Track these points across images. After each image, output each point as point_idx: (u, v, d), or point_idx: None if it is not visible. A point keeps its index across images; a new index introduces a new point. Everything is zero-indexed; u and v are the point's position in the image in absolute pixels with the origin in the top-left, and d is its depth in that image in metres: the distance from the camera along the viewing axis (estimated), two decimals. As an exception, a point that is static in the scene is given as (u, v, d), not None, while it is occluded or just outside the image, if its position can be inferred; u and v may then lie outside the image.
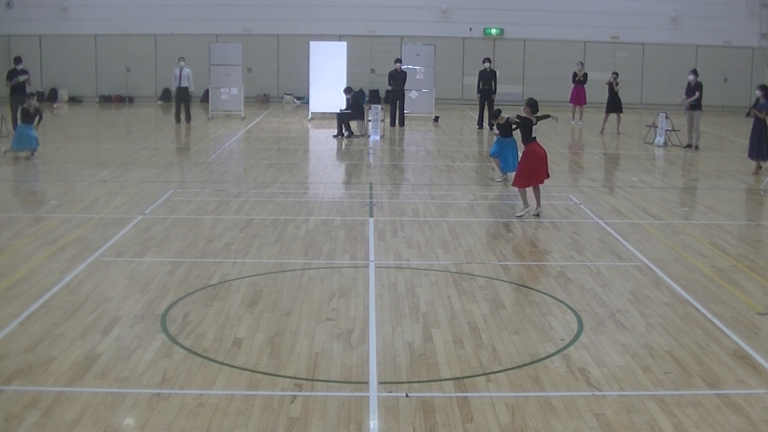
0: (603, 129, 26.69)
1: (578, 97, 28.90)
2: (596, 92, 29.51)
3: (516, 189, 14.40)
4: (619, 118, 26.60)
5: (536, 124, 13.88)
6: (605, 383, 7.39)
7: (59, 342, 8.13)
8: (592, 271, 10.94)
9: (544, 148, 14.26)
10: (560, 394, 7.15)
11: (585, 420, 6.67)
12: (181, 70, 27.45)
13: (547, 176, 14.25)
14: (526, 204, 14.00)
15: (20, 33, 34.92)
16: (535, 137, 13.92)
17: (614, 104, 26.69)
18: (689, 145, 23.15)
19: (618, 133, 26.34)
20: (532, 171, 13.86)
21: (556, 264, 11.25)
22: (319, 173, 19.21)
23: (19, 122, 20.08)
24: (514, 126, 15.04)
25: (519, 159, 14.65)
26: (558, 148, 23.19)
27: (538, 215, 13.93)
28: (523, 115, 13.96)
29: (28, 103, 20.07)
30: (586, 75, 28.79)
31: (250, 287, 10.00)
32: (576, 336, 8.54)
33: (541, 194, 14.34)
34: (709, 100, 24.92)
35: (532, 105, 13.96)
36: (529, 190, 14.19)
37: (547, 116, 14.42)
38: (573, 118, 29.03)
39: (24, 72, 23.76)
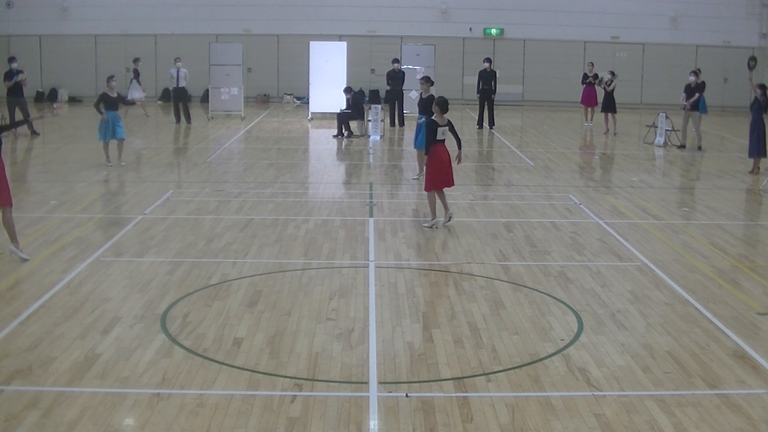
0: (607, 129, 26.66)
1: (589, 98, 28.66)
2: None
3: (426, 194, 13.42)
4: (614, 118, 26.50)
5: (446, 125, 12.95)
6: (605, 383, 7.39)
7: (59, 342, 8.13)
8: (592, 271, 10.94)
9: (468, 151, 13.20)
10: (560, 394, 7.15)
11: (585, 420, 6.67)
12: (178, 71, 27.46)
13: (451, 184, 13.30)
14: (434, 215, 13.13)
15: (20, 33, 34.93)
16: (441, 140, 12.98)
17: (607, 104, 26.61)
18: (683, 146, 23.15)
19: (613, 133, 26.27)
20: (437, 175, 12.96)
21: (556, 264, 11.24)
22: (319, 173, 19.21)
23: (104, 111, 18.53)
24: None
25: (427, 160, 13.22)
26: (558, 149, 23.19)
27: (450, 219, 13.14)
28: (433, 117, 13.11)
29: (108, 86, 18.71)
30: (597, 75, 28.46)
31: (250, 287, 10.00)
32: (576, 336, 8.54)
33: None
34: (709, 100, 24.89)
35: (442, 104, 13.02)
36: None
37: (458, 139, 13.35)
38: (585, 119, 28.93)
39: (20, 72, 23.81)
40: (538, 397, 7.10)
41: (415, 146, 17.42)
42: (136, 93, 27.94)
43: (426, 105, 16.82)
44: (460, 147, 13.49)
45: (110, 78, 19.05)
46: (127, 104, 20.58)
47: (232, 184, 16.91)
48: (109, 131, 18.50)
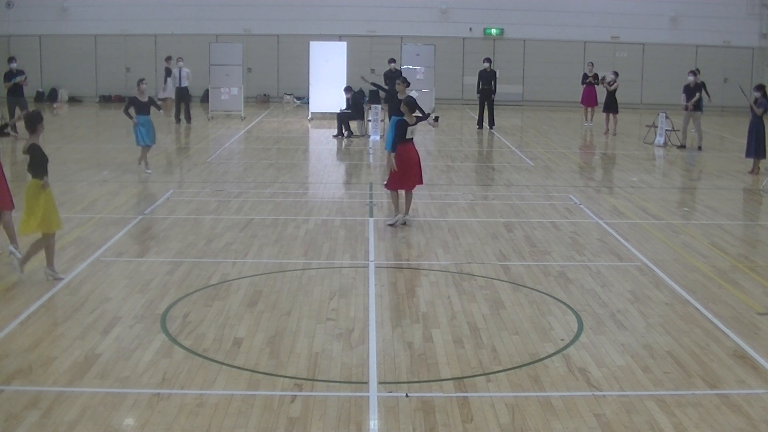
0: (607, 129, 26.65)
1: (589, 98, 28.61)
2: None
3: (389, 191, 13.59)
4: (614, 119, 26.48)
5: (415, 124, 13.11)
6: (605, 383, 7.39)
7: (59, 342, 8.14)
8: (592, 271, 10.94)
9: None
10: (560, 394, 7.15)
11: (585, 420, 6.67)
12: (180, 71, 27.46)
13: (420, 182, 13.39)
14: (397, 210, 13.25)
15: (20, 33, 34.93)
16: (410, 139, 13.13)
17: (608, 104, 26.60)
18: (683, 146, 23.15)
19: (614, 134, 26.25)
20: (403, 174, 13.00)
21: (556, 264, 11.24)
22: (319, 173, 19.21)
23: (134, 115, 17.67)
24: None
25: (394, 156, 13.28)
26: (558, 149, 23.19)
27: (405, 223, 13.16)
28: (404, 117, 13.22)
29: (138, 89, 17.79)
30: (597, 75, 28.41)
31: (250, 287, 10.00)
32: (576, 336, 8.54)
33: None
34: (708, 99, 24.89)
35: (410, 104, 13.18)
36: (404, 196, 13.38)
37: (428, 115, 13.94)
38: (585, 119, 28.89)
39: (21, 72, 23.80)
40: (538, 397, 7.10)
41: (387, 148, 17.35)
42: (167, 93, 28.49)
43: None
44: (427, 116, 13.93)
45: (140, 81, 18.18)
46: (159, 108, 19.42)
47: (232, 184, 16.91)
48: (146, 135, 17.68)
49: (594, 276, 10.71)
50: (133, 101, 17.76)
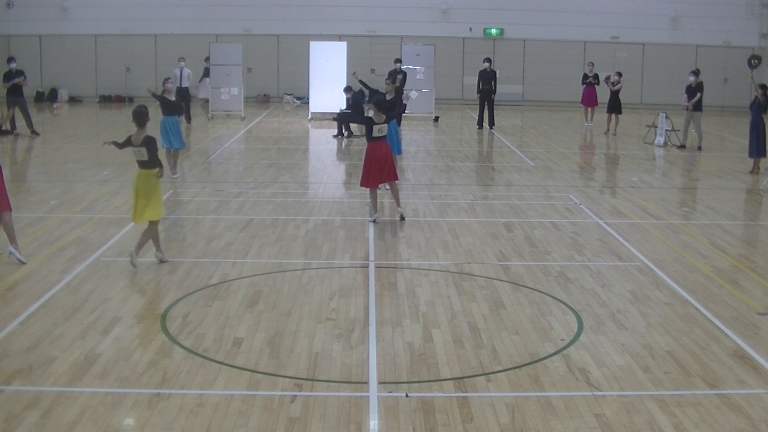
0: (607, 129, 26.63)
1: (589, 99, 28.58)
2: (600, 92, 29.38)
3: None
4: (616, 119, 26.47)
5: (385, 122, 13.32)
6: (605, 383, 7.39)
7: (59, 342, 8.14)
8: (592, 271, 10.94)
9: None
10: (560, 394, 7.15)
11: (585, 420, 6.67)
12: (181, 71, 27.45)
13: (393, 179, 13.58)
14: (374, 209, 13.49)
15: (20, 33, 34.92)
16: (380, 137, 13.35)
17: (611, 104, 26.59)
18: (683, 146, 23.16)
19: (614, 134, 26.25)
20: (369, 171, 13.32)
21: (556, 264, 11.24)
22: (319, 173, 19.21)
23: (161, 116, 16.72)
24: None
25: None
26: (558, 149, 23.19)
27: (402, 219, 13.46)
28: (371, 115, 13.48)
29: (165, 88, 16.83)
30: (597, 76, 28.35)
31: (250, 287, 10.00)
32: (576, 336, 8.54)
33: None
34: (709, 100, 24.91)
35: (378, 104, 13.38)
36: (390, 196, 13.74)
37: (404, 108, 14.83)
38: (585, 119, 28.87)
39: (20, 73, 23.80)
40: (538, 397, 7.10)
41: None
42: (203, 93, 29.04)
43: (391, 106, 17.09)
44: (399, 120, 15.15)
45: (166, 80, 17.17)
46: (190, 120, 18.23)
47: (232, 184, 16.91)
48: (175, 138, 16.74)
49: (594, 276, 10.71)
50: (162, 100, 16.74)
